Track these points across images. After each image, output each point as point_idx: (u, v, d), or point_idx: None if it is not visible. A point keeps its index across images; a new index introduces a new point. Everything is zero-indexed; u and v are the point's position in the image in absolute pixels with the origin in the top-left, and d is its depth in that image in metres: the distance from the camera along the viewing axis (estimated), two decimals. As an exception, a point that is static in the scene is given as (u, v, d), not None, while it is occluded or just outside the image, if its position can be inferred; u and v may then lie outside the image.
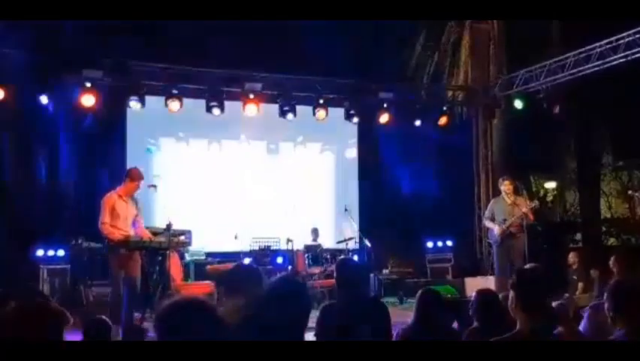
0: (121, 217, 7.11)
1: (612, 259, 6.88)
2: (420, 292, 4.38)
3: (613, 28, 9.47)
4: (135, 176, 7.32)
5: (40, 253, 9.49)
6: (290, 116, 11.02)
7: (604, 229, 14.12)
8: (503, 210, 9.35)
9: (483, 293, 4.36)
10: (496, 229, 9.27)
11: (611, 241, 13.89)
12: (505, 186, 9.43)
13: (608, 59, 9.66)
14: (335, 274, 4.52)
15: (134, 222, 7.30)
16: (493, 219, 9.47)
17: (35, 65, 9.40)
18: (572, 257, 10.40)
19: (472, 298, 4.36)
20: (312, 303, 3.29)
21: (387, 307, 4.42)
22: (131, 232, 7.16)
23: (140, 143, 11.04)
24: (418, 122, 11.79)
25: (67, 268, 9.50)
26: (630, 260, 5.81)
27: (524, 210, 9.03)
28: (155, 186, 7.60)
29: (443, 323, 4.37)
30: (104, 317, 4.23)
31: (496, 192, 9.96)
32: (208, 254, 10.45)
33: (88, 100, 9.62)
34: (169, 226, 7.41)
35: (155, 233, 7.70)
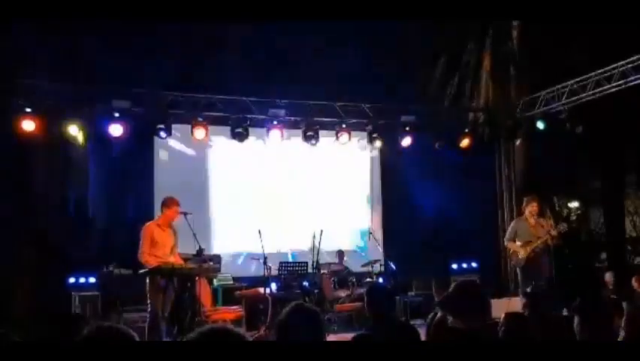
0: (159, 245, 7.37)
1: (634, 278, 6.86)
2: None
3: (632, 48, 9.53)
4: (170, 203, 7.62)
5: (71, 280, 9.68)
6: (313, 141, 11.20)
7: (629, 248, 14.03)
8: (527, 232, 9.31)
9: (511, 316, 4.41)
10: (520, 252, 9.24)
11: (638, 260, 13.79)
12: (532, 207, 9.37)
13: (629, 78, 9.69)
14: (366, 300, 4.60)
15: (172, 250, 7.54)
16: (514, 240, 9.43)
17: (65, 96, 9.66)
18: (608, 277, 10.34)
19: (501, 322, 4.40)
20: (325, 329, 3.37)
21: (418, 331, 4.48)
22: (170, 260, 7.39)
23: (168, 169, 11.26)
24: (440, 145, 11.89)
25: (98, 294, 9.64)
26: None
27: (553, 232, 8.97)
28: (188, 213, 7.74)
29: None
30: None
31: (520, 213, 9.92)
32: (235, 279, 10.55)
33: (116, 129, 9.87)
34: (199, 251, 7.58)
35: (185, 259, 7.86)
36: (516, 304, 9.30)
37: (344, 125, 11.24)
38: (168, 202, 7.68)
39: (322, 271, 10.26)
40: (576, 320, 3.38)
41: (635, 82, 9.61)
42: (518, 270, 9.47)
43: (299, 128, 11.24)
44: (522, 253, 9.22)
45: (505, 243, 9.71)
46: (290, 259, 11.21)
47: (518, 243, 9.37)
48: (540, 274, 8.97)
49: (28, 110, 9.37)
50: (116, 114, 9.86)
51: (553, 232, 8.98)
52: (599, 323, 3.32)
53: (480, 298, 3.76)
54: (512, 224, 9.76)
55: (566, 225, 9.28)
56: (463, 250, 11.94)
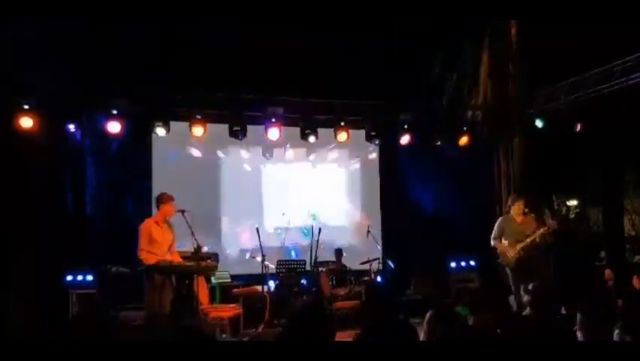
0: (158, 243, 7.40)
1: (635, 277, 6.82)
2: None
3: (633, 46, 9.49)
4: (165, 199, 7.64)
5: (69, 278, 9.66)
6: (312, 138, 11.17)
7: (628, 246, 14.00)
8: (514, 230, 9.18)
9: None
10: (509, 252, 9.09)
11: (636, 258, 13.77)
12: (519, 205, 9.26)
13: (629, 76, 9.64)
14: (364, 298, 4.58)
15: (170, 247, 7.54)
16: (501, 239, 9.29)
17: (62, 93, 9.63)
18: (607, 273, 10.32)
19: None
20: (335, 326, 3.34)
21: (417, 330, 4.45)
22: (168, 257, 7.38)
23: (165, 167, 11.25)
24: (438, 143, 11.88)
25: (95, 292, 9.63)
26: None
27: (542, 230, 8.88)
28: (186, 211, 7.70)
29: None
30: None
31: (507, 211, 9.82)
32: (233, 277, 10.53)
33: (114, 127, 9.87)
34: (197, 249, 7.55)
35: (183, 257, 7.85)
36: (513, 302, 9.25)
37: (342, 124, 11.22)
38: (163, 198, 7.72)
39: (320, 269, 10.23)
40: (579, 318, 3.36)
41: (635, 80, 9.57)
42: (508, 270, 9.24)
43: (297, 125, 11.21)
44: (511, 253, 9.10)
45: (492, 242, 9.43)
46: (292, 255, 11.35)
47: (505, 242, 9.22)
48: (533, 273, 8.76)
49: (26, 107, 9.35)
50: (114, 112, 9.86)
51: (544, 229, 8.89)
52: (601, 322, 3.30)
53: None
54: (498, 222, 9.52)
55: (555, 222, 9.13)
56: (461, 248, 11.92)
